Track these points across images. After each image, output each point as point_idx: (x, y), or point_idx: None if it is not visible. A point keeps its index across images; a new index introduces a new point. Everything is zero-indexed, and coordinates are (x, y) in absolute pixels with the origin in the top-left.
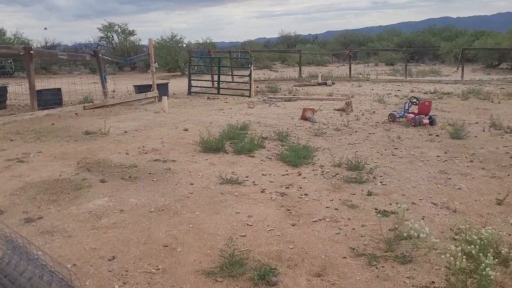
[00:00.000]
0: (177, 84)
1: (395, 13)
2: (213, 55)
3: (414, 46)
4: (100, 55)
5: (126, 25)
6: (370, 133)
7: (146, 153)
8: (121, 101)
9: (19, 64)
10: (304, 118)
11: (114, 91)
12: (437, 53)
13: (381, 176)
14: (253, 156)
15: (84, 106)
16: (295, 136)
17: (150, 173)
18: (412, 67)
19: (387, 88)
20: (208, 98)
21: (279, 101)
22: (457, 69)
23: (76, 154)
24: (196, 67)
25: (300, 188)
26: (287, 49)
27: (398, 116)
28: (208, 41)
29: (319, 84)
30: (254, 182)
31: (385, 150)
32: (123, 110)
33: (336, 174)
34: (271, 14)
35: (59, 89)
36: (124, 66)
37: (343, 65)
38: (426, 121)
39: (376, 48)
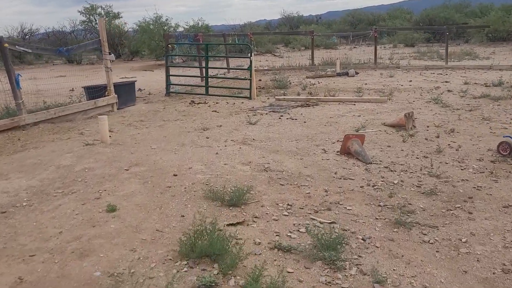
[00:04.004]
0: (161, 78)
1: None
2: (202, 40)
3: (435, 24)
4: (5, 45)
5: (110, 6)
6: (506, 206)
7: None
8: (51, 116)
9: None
10: (345, 151)
11: (73, 90)
12: (460, 31)
13: None
14: None
15: None
16: (352, 231)
17: None
18: (439, 48)
19: (428, 78)
20: (192, 101)
21: (292, 107)
22: None
23: None
24: (177, 57)
25: None
26: (290, 31)
27: None
28: (200, 23)
29: (339, 75)
30: None
31: None
32: (43, 135)
33: None
34: None
35: None
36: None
37: (355, 47)
38: None
39: (396, 26)
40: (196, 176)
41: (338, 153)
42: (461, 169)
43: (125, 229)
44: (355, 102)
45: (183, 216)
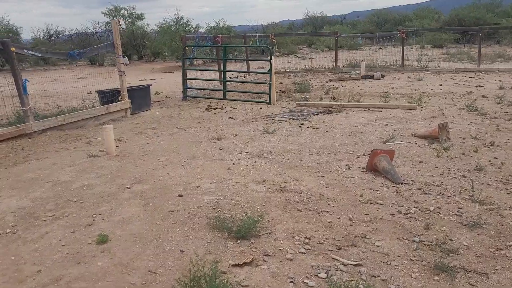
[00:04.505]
0: (180, 80)
1: None
2: (222, 41)
3: (465, 24)
4: (12, 49)
5: (133, 8)
6: None
7: None
8: (60, 123)
9: None
10: (372, 168)
11: (90, 93)
12: (491, 32)
13: None
14: None
15: None
16: (383, 278)
17: None
18: (469, 49)
19: (459, 82)
20: (209, 106)
21: (314, 114)
22: None
23: None
24: (195, 59)
25: None
26: (314, 31)
27: None
28: (221, 24)
29: (363, 78)
30: None
31: None
32: (49, 144)
33: None
34: None
35: None
36: (131, 54)
37: (380, 48)
38: None
39: (423, 27)
40: (203, 197)
41: (364, 170)
42: (507, 193)
43: (113, 268)
44: (382, 108)
45: (183, 251)
